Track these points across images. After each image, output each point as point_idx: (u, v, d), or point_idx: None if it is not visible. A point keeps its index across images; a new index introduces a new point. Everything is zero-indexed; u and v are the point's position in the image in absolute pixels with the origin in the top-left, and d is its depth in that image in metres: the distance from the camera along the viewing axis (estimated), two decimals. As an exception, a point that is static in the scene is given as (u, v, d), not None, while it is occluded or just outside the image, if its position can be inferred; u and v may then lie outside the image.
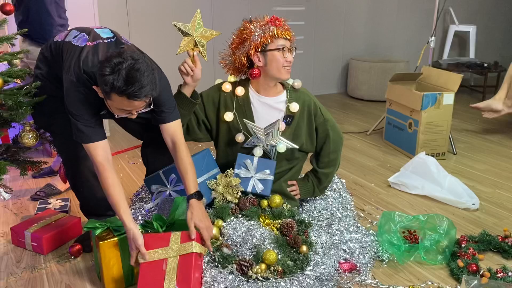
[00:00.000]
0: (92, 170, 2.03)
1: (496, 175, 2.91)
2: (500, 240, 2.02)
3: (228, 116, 2.03)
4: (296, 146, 2.05)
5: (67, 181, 2.22)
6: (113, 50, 1.71)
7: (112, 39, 1.77)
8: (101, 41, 1.73)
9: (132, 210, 2.06)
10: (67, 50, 1.74)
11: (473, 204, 2.43)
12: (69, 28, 1.91)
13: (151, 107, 1.67)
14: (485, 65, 4.89)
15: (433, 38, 3.53)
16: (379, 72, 4.74)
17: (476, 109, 3.64)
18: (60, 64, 1.79)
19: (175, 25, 1.85)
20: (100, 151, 1.69)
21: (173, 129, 1.82)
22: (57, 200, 2.42)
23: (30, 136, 2.01)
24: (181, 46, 1.86)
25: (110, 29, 1.84)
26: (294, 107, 2.05)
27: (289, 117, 2.06)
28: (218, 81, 2.14)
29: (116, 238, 1.68)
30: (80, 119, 1.67)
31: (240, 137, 2.04)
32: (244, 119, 2.01)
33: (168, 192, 2.00)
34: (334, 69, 5.24)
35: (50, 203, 2.37)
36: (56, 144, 2.01)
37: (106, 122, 3.46)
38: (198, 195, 1.73)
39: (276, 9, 4.60)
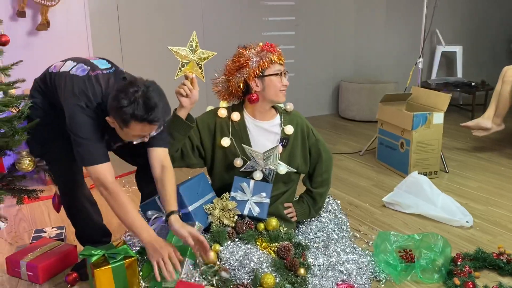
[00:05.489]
0: (89, 197, 2.03)
1: (488, 192, 2.94)
2: (495, 257, 2.04)
3: (225, 142, 2.05)
4: (294, 170, 2.09)
5: (60, 210, 2.21)
6: (113, 80, 1.75)
7: (111, 70, 1.81)
8: (100, 72, 1.77)
9: (128, 237, 2.05)
10: (65, 79, 1.77)
11: (467, 221, 2.46)
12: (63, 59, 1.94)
13: (161, 128, 1.72)
14: (473, 84, 4.99)
15: (421, 59, 3.61)
16: (369, 93, 4.82)
17: (466, 128, 3.72)
18: (54, 94, 1.82)
19: (172, 50, 1.87)
20: (110, 172, 1.72)
21: (164, 154, 1.85)
22: (52, 228, 2.41)
23: (27, 161, 2.03)
24: (181, 69, 1.88)
25: (106, 60, 1.87)
26: (289, 129, 2.08)
27: (284, 139, 2.09)
28: (209, 108, 2.16)
29: (110, 266, 1.67)
30: (88, 141, 1.69)
31: (238, 162, 2.05)
32: (242, 144, 2.04)
33: (164, 218, 2.00)
34: (325, 91, 5.31)
35: (45, 232, 2.36)
36: (53, 171, 2.01)
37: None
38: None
39: (267, 34, 4.68)
